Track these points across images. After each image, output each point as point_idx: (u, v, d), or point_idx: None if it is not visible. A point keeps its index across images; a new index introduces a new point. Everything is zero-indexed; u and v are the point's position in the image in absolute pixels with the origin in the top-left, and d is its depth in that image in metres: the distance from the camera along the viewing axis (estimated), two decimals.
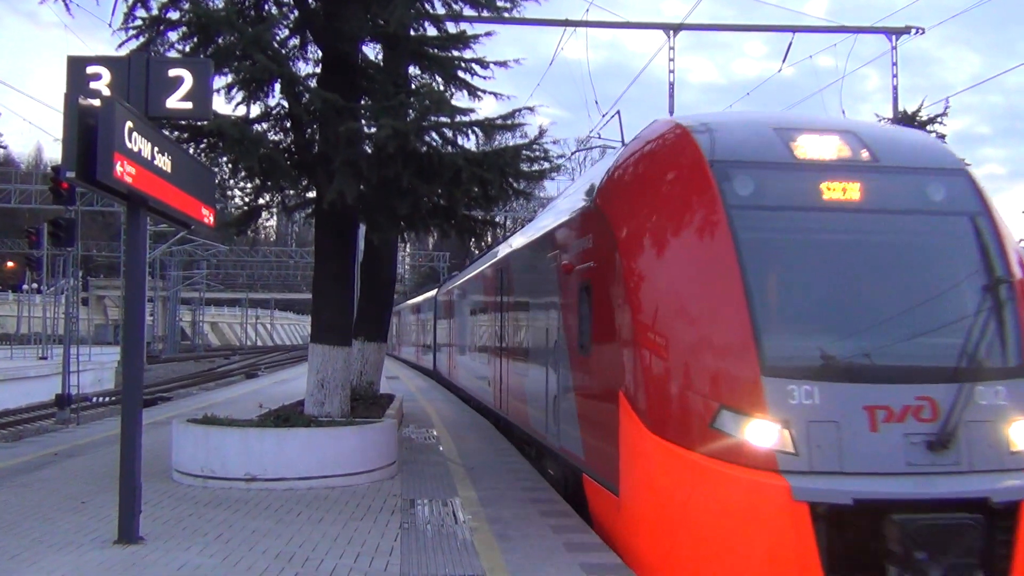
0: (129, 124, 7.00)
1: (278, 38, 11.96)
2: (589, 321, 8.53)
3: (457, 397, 23.95)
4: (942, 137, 26.84)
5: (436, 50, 12.24)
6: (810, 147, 7.67)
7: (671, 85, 19.99)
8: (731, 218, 7.14)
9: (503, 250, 16.17)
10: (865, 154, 7.70)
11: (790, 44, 19.65)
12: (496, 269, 16.10)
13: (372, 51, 12.95)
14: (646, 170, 8.25)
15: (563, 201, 11.48)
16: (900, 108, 22.27)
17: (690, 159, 7.61)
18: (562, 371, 9.65)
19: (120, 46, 11.19)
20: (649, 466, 7.00)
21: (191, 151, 11.33)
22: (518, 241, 14.54)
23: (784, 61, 20.23)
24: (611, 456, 7.54)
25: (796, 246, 7.47)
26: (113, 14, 11.34)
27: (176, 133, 11.30)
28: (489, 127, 11.81)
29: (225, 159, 11.79)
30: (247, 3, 11.79)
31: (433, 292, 35.70)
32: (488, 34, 12.23)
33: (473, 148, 11.89)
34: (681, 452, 6.72)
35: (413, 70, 12.82)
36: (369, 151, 11.02)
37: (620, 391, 7.39)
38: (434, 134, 11.53)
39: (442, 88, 12.04)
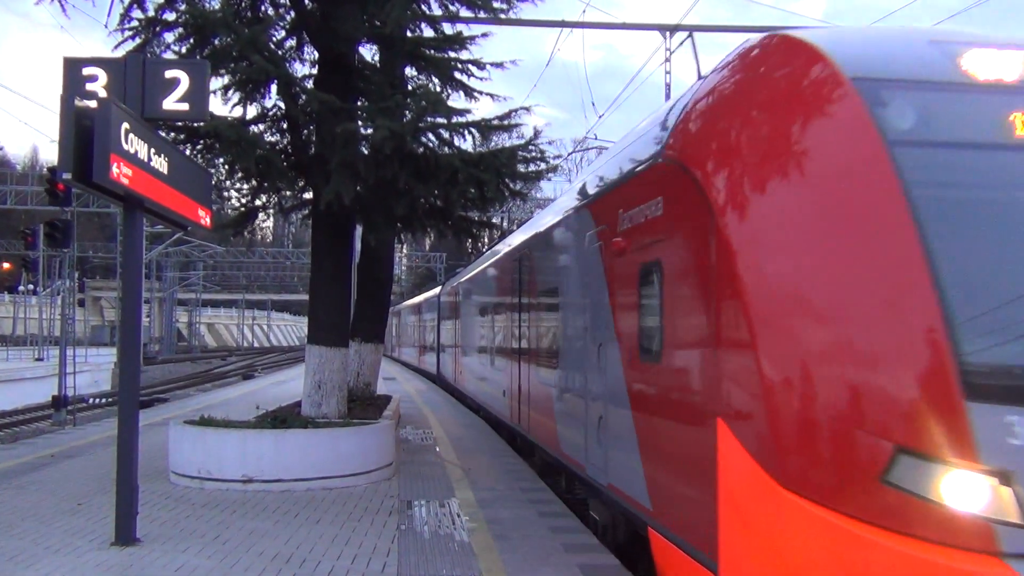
0: (125, 125, 7.00)
1: (274, 39, 12.00)
2: (659, 316, 6.43)
3: (466, 407, 22.09)
4: None
5: (432, 51, 12.26)
6: (988, 65, 5.37)
7: (667, 86, 19.99)
8: (895, 160, 4.86)
9: (523, 235, 13.83)
10: None
11: None
12: (515, 259, 13.72)
13: (368, 52, 13.00)
14: (752, 100, 5.73)
15: (604, 163, 9.08)
16: None
17: (821, 77, 5.32)
18: (612, 382, 7.47)
19: (116, 47, 11.27)
20: (777, 537, 4.75)
21: (188, 152, 11.34)
22: (543, 222, 11.83)
23: None
24: (700, 510, 5.39)
25: (995, 204, 5.03)
26: (109, 15, 11.46)
27: (172, 134, 11.32)
28: (485, 128, 11.84)
29: (222, 160, 11.81)
30: (243, 4, 11.81)
31: (436, 290, 34.72)
32: (484, 35, 12.29)
33: (470, 149, 11.93)
34: (832, 518, 4.46)
35: (409, 71, 12.87)
36: (366, 152, 11.02)
37: (719, 418, 5.22)
38: (431, 135, 11.56)
39: (438, 89, 12.07)
